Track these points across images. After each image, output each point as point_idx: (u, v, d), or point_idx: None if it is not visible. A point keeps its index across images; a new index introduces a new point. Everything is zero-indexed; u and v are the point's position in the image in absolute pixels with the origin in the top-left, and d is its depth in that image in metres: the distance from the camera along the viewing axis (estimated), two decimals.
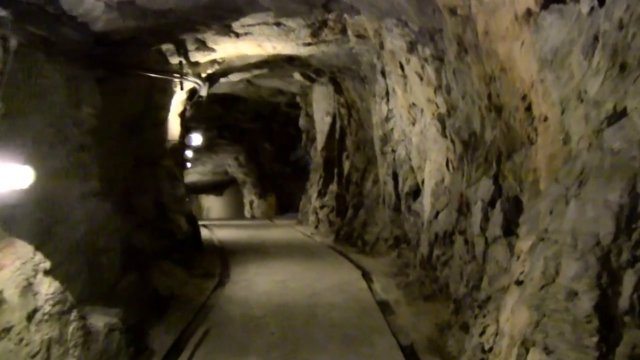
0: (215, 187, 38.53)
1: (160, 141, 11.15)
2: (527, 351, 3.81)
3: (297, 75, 17.16)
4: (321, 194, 19.36)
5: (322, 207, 19.05)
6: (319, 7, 9.11)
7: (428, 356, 6.62)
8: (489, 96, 6.25)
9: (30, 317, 5.68)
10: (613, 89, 3.57)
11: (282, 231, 20.82)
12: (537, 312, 3.98)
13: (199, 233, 13.76)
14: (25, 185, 5.47)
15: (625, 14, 3.49)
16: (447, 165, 8.90)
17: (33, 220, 6.07)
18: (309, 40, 11.18)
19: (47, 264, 6.03)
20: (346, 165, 17.89)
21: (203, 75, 12.57)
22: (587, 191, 3.77)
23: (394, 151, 12.28)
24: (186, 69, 11.40)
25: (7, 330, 5.37)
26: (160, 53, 10.34)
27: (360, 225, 14.88)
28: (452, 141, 8.11)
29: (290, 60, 13.62)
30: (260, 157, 31.36)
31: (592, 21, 3.84)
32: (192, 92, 13.15)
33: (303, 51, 12.31)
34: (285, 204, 30.76)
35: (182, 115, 13.20)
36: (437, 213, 9.15)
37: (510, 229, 5.92)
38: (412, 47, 9.02)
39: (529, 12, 4.63)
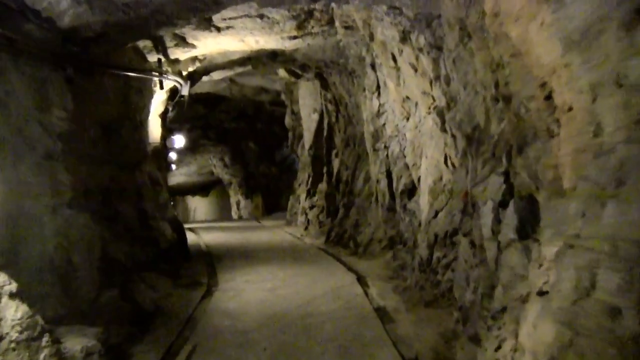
0: (201, 188, 38.60)
1: (141, 144, 10.56)
2: None
3: (281, 72, 16.74)
4: (310, 194, 19.00)
5: (311, 208, 18.68)
6: None
7: None
8: (496, 85, 5.75)
9: None
10: None
11: (270, 233, 20.42)
12: (568, 330, 3.55)
13: (184, 239, 13.19)
14: None
15: None
16: (445, 162, 8.44)
17: None
18: (294, 33, 10.67)
19: (12, 286, 5.46)
20: (335, 163, 17.53)
21: (184, 73, 12.02)
22: (628, 191, 3.29)
23: (386, 148, 11.84)
24: (165, 67, 10.85)
25: None
26: (137, 50, 9.77)
27: (352, 225, 14.45)
28: (453, 136, 7.61)
29: (274, 56, 13.11)
30: (246, 157, 31.14)
31: None
32: (174, 92, 12.59)
33: (288, 45, 11.79)
34: (272, 204, 30.62)
35: (163, 116, 12.62)
36: (437, 213, 8.69)
37: (525, 232, 5.39)
38: (405, 37, 8.54)
39: None
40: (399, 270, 10.58)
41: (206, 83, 17.28)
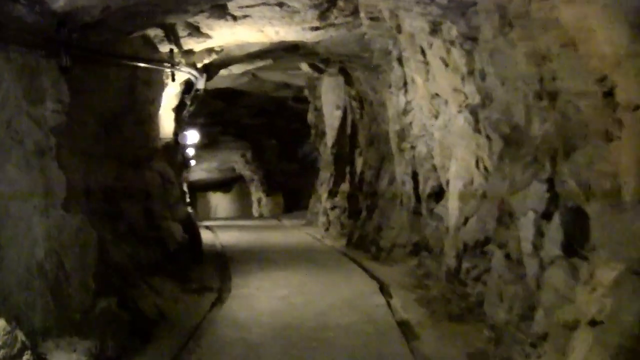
0: (222, 185, 38.49)
1: (149, 139, 10.05)
2: None
3: (304, 66, 16.25)
4: (332, 194, 18.51)
5: (333, 208, 18.20)
6: None
7: None
8: (540, 80, 5.10)
9: None
10: None
11: (290, 234, 20.08)
12: None
13: (197, 240, 12.67)
14: None
15: None
16: (477, 164, 7.82)
17: None
18: (316, 23, 10.05)
19: None
20: (359, 162, 17.00)
21: (199, 65, 11.46)
22: None
23: (413, 148, 11.27)
24: (178, 58, 10.29)
25: None
26: (147, 40, 9.20)
27: (375, 229, 13.92)
28: (488, 137, 6.96)
29: (295, 49, 12.54)
30: (266, 154, 31.01)
31: None
32: (189, 85, 12.04)
33: (309, 37, 11.19)
34: (293, 202, 30.30)
35: (176, 110, 12.06)
36: (466, 219, 8.08)
37: (572, 248, 4.73)
38: (435, 29, 7.95)
39: None
40: (423, 279, 10.08)
41: (226, 78, 16.85)
